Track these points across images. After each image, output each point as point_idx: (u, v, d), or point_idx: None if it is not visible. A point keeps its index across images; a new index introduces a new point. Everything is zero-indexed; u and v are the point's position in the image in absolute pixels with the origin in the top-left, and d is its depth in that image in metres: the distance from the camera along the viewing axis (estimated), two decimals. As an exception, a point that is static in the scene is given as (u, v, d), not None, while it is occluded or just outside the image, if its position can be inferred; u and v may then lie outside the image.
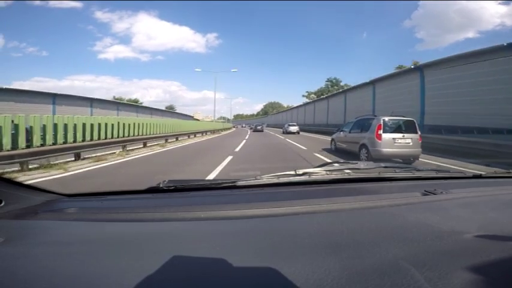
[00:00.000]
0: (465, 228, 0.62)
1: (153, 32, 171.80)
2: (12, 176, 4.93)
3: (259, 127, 31.55)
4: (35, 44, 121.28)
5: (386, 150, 6.77)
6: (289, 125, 26.80)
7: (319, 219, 0.70)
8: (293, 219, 0.71)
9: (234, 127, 45.39)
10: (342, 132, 9.30)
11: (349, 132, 8.63)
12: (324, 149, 10.19)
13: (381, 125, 6.97)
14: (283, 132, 26.18)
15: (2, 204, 0.69)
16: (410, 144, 6.96)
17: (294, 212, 0.74)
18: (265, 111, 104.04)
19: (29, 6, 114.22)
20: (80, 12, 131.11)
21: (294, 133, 24.59)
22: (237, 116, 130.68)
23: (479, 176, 1.34)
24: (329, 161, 4.82)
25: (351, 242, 0.55)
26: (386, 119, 7.16)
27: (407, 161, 6.88)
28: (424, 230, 0.61)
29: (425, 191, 0.94)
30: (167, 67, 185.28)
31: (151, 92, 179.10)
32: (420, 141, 7.15)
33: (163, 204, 0.88)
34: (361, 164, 1.32)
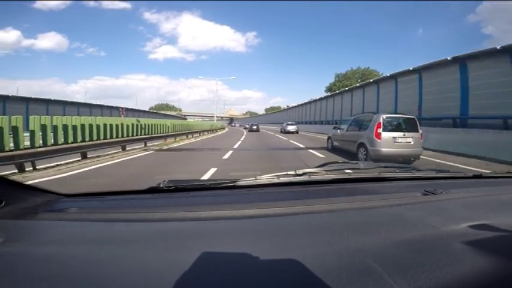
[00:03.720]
0: (465, 228, 0.62)
1: (197, 31, 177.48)
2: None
3: (254, 127, 31.05)
4: (94, 45, 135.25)
5: (386, 149, 6.45)
6: (288, 124, 26.17)
7: (319, 219, 0.70)
8: (293, 219, 0.71)
9: (221, 128, 35.91)
10: (338, 130, 8.93)
11: (347, 131, 8.26)
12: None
13: (380, 123, 6.62)
14: (281, 132, 25.62)
15: (2, 204, 0.69)
16: (411, 143, 6.63)
17: (294, 212, 0.74)
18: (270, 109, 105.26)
19: (85, 6, 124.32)
20: (130, 13, 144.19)
21: (292, 132, 23.89)
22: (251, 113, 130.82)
23: (480, 176, 1.34)
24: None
25: (351, 242, 0.55)
26: (386, 116, 6.88)
27: (407, 161, 6.62)
28: (424, 230, 0.61)
29: (425, 191, 0.94)
30: (210, 66, 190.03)
31: (196, 91, 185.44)
32: (421, 140, 6.85)
33: (163, 204, 0.88)
34: (361, 164, 1.32)
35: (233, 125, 73.42)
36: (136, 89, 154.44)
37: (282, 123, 29.71)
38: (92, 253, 0.51)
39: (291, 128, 25.09)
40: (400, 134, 6.66)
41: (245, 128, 39.22)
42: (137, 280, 0.42)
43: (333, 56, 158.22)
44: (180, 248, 0.54)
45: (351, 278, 0.42)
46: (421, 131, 6.87)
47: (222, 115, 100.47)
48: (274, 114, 55.64)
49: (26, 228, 0.64)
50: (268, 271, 0.45)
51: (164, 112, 71.07)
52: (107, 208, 0.86)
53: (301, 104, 38.95)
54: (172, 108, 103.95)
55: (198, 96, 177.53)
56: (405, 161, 6.56)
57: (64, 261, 0.48)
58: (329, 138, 9.84)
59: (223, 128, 38.00)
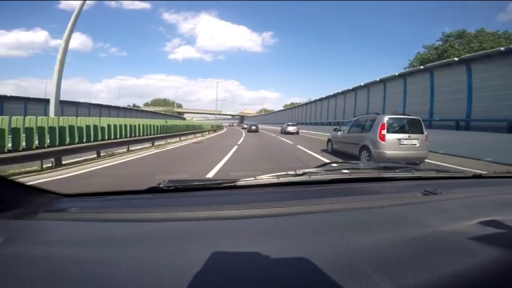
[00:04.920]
0: (465, 228, 0.62)
1: (214, 31, 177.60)
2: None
3: (253, 127, 30.74)
4: (116, 45, 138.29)
5: (390, 152, 6.18)
6: (288, 125, 26.01)
7: (319, 219, 0.70)
8: (293, 219, 0.71)
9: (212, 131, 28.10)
10: (339, 132, 8.56)
11: (348, 132, 7.94)
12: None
13: (384, 124, 6.37)
14: (281, 132, 25.47)
15: (2, 204, 0.69)
16: (417, 145, 6.39)
17: (294, 212, 0.74)
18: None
19: (107, 7, 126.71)
20: (149, 14, 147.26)
21: (292, 133, 23.74)
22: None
23: (480, 176, 1.34)
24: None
25: (351, 242, 0.55)
26: (390, 117, 6.62)
27: (412, 164, 6.35)
28: (424, 230, 0.61)
29: (425, 191, 0.94)
30: (227, 67, 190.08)
31: (213, 91, 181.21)
32: (427, 142, 6.58)
33: (163, 204, 0.88)
34: (361, 164, 1.33)
35: (231, 124, 70.21)
36: (156, 88, 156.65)
37: (283, 123, 29.48)
38: (92, 253, 0.51)
39: (291, 128, 25.05)
40: (405, 135, 6.43)
41: (243, 129, 38.61)
42: (137, 280, 0.42)
43: (350, 55, 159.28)
44: (180, 247, 0.54)
45: (350, 278, 0.42)
46: (426, 133, 6.64)
47: (232, 113, 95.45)
48: (277, 114, 53.46)
49: (26, 228, 0.64)
50: (268, 271, 0.45)
51: (151, 109, 62.03)
52: (107, 208, 0.86)
53: (309, 102, 37.42)
54: (171, 104, 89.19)
55: (215, 95, 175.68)
56: (410, 164, 6.24)
57: (64, 261, 0.48)
58: (329, 140, 9.52)
59: (221, 129, 35.10)
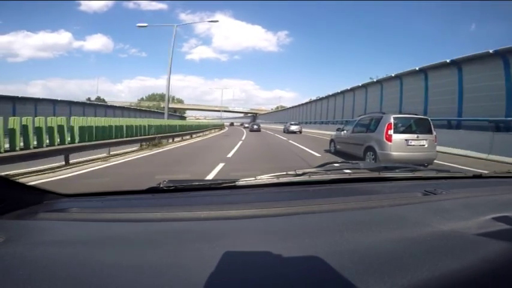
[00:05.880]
0: (465, 228, 0.62)
1: (229, 31, 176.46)
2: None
3: (255, 126, 30.87)
4: (136, 46, 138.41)
5: (397, 153, 5.82)
6: (291, 124, 26.04)
7: (319, 219, 0.70)
8: (293, 219, 0.71)
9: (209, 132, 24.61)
10: (342, 132, 8.21)
11: (352, 132, 7.58)
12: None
13: (391, 124, 5.99)
14: (284, 132, 25.43)
15: (2, 204, 0.69)
16: (425, 146, 6.02)
17: (294, 212, 0.74)
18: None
19: (125, 8, 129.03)
20: (166, 14, 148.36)
21: (295, 133, 23.79)
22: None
23: (480, 176, 1.34)
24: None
25: (351, 242, 0.55)
26: (397, 116, 6.27)
27: (420, 166, 5.99)
28: (424, 230, 0.61)
29: (425, 190, 0.94)
30: (243, 66, 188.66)
31: (229, 91, 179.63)
32: (436, 143, 6.21)
33: (163, 204, 0.88)
34: (361, 164, 1.33)
35: (231, 123, 67.40)
36: (175, 88, 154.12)
37: (286, 123, 29.37)
38: (92, 253, 0.51)
39: (294, 127, 25.14)
40: (413, 136, 6.03)
41: (245, 128, 38.62)
42: (137, 280, 0.42)
43: (367, 55, 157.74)
44: (180, 248, 0.54)
45: (350, 278, 0.42)
46: (435, 133, 6.25)
47: (242, 110, 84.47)
48: (288, 112, 51.34)
49: (26, 228, 0.64)
50: (268, 271, 0.45)
51: (139, 106, 52.95)
52: (107, 208, 0.86)
53: (313, 101, 35.81)
54: (171, 100, 76.92)
55: (231, 95, 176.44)
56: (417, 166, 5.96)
57: (64, 261, 0.48)
58: (332, 140, 9.17)
59: (221, 128, 33.25)
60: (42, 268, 0.45)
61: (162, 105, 55.07)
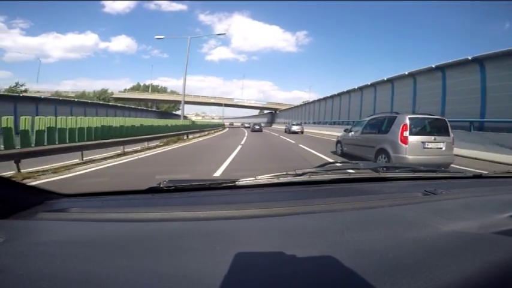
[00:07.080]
0: (465, 228, 0.61)
1: (247, 32, 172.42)
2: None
3: (257, 126, 30.76)
4: (158, 47, 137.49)
5: (413, 157, 5.37)
6: (293, 125, 26.24)
7: (319, 219, 0.70)
8: (293, 219, 0.71)
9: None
10: (351, 133, 7.69)
11: (361, 134, 7.05)
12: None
13: (406, 125, 5.53)
14: (285, 132, 25.64)
15: (2, 204, 0.69)
16: (443, 149, 5.60)
17: (294, 212, 0.74)
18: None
19: (147, 9, 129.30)
20: (186, 15, 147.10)
21: (296, 132, 24.02)
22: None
23: (480, 176, 1.35)
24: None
25: (351, 242, 0.55)
26: (413, 117, 5.79)
27: None
28: (424, 230, 0.61)
29: (425, 190, 0.94)
30: (261, 67, 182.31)
31: (247, 91, 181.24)
32: (453, 146, 5.84)
33: (163, 204, 0.88)
34: (361, 164, 1.33)
35: (231, 124, 62.92)
36: (195, 89, 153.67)
37: (288, 123, 29.55)
38: (92, 253, 0.51)
39: (295, 128, 25.44)
40: (430, 138, 5.58)
41: (246, 128, 38.69)
42: (137, 280, 0.42)
43: (387, 55, 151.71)
44: (180, 247, 0.54)
45: (350, 278, 0.42)
46: (452, 135, 5.84)
47: (255, 104, 64.06)
48: (292, 111, 48.70)
49: (26, 228, 0.64)
50: (268, 271, 0.45)
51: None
52: (107, 208, 0.86)
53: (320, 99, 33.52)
54: (161, 90, 63.93)
55: (249, 96, 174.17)
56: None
57: (64, 261, 0.48)
58: (338, 142, 8.59)
59: (220, 129, 30.12)
60: (42, 268, 0.45)
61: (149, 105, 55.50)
